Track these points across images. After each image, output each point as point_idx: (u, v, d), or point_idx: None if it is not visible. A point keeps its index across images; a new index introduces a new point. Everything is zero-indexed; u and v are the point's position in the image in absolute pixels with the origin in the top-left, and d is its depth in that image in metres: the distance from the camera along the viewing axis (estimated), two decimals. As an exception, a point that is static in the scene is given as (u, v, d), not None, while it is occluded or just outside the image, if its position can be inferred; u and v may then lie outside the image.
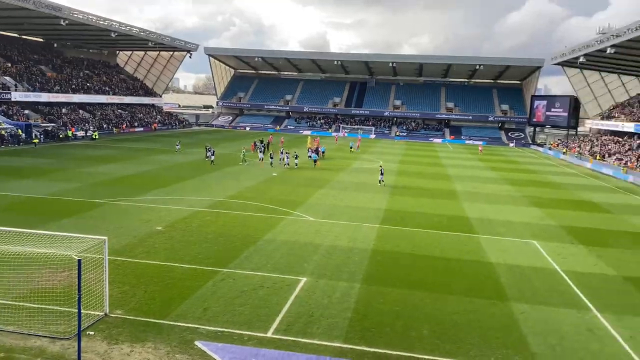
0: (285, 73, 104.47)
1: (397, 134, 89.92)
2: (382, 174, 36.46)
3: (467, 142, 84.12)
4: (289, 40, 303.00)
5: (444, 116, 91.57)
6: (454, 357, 12.31)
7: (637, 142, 59.34)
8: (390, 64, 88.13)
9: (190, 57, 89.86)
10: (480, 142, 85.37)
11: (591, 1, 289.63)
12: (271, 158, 42.48)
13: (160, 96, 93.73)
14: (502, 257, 20.10)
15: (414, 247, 20.80)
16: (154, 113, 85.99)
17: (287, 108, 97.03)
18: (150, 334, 12.60)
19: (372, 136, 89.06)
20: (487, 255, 20.31)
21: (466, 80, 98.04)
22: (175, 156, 45.91)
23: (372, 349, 12.42)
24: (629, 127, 61.15)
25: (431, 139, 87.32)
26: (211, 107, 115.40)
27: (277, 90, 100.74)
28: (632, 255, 21.28)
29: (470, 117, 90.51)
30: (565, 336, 13.54)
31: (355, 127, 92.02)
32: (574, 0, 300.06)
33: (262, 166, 40.13)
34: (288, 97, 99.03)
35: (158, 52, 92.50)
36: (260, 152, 45.19)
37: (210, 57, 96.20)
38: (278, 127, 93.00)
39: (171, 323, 13.12)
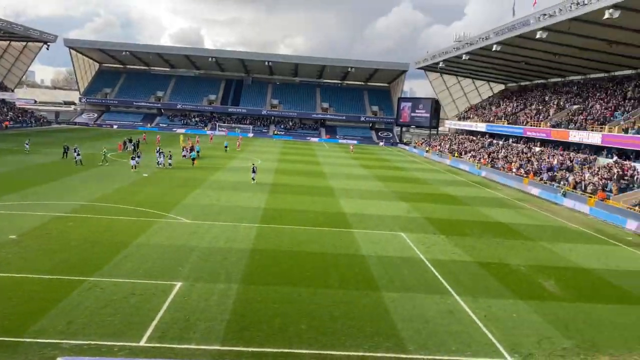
0: (156, 68, 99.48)
1: (275, 132, 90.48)
2: (254, 171, 36.32)
3: (341, 141, 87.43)
4: (161, 34, 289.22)
5: (319, 116, 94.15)
6: (330, 349, 12.59)
7: (488, 140, 66.61)
8: (267, 63, 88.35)
9: (47, 48, 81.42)
10: (354, 142, 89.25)
11: (449, 11, 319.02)
12: (138, 157, 38.91)
13: (13, 90, 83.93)
14: (373, 249, 21.12)
15: (292, 244, 20.99)
16: (5, 109, 76.42)
17: (159, 105, 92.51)
18: (5, 354, 11.45)
19: (250, 135, 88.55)
20: (361, 248, 21.20)
21: (339, 81, 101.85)
22: (28, 157, 41.29)
23: (250, 349, 12.31)
24: (482, 127, 68.39)
25: (308, 138, 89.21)
26: (73, 103, 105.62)
27: (148, 86, 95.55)
28: (484, 243, 23.71)
29: (344, 117, 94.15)
30: (430, 320, 14.57)
31: (233, 125, 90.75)
32: (434, 10, 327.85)
33: (133, 169, 37.47)
34: (159, 93, 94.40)
35: (8, 42, 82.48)
36: (135, 154, 40.26)
37: (72, 50, 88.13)
38: (149, 125, 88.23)
39: (29, 340, 12.16)
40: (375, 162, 57.61)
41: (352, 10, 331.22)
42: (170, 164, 40.91)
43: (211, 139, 73.46)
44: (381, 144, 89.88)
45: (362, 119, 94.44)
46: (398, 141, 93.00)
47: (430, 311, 15.18)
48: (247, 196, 30.55)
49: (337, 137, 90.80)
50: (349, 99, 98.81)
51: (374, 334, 13.53)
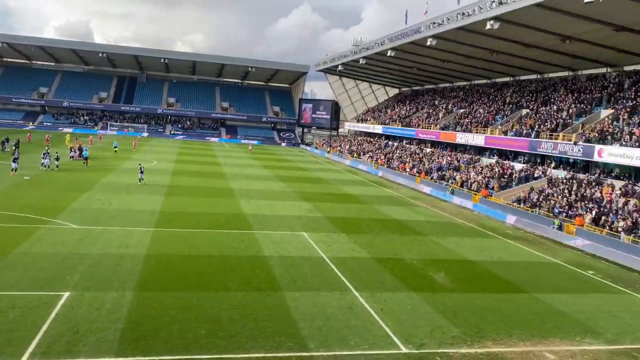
0: (39, 63, 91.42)
1: (172, 132, 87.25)
2: (141, 172, 34.87)
3: (242, 141, 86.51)
4: (44, 25, 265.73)
5: (219, 115, 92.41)
6: (230, 352, 12.38)
7: (384, 142, 69.72)
8: (163, 60, 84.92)
9: None
10: (253, 142, 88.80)
11: (347, 15, 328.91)
12: (14, 162, 34.59)
13: None
14: (275, 250, 21.13)
15: (191, 248, 20.41)
16: None
17: (43, 102, 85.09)
18: None
19: (145, 134, 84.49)
20: (262, 249, 21.10)
21: (240, 81, 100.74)
22: None
23: (147, 358, 11.78)
24: (378, 129, 71.35)
25: (208, 138, 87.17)
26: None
27: (29, 81, 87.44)
28: (381, 239, 24.74)
29: (245, 117, 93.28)
30: (330, 317, 14.86)
31: (126, 124, 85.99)
32: (333, 14, 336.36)
33: (13, 172, 33.91)
34: (43, 89, 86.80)
35: None
36: (15, 157, 35.34)
37: None
38: (31, 124, 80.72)
39: None
40: (277, 163, 57.76)
41: (253, 9, 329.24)
42: (57, 166, 37.84)
43: (100, 138, 69.04)
44: (283, 144, 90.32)
45: (264, 119, 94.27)
46: (300, 142, 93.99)
47: (330, 308, 15.49)
48: (142, 199, 29.17)
49: (238, 137, 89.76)
50: (250, 98, 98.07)
51: (275, 334, 13.53)
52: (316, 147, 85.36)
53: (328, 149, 78.24)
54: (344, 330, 14.03)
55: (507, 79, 55.62)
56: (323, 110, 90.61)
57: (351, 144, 77.48)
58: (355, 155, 67.11)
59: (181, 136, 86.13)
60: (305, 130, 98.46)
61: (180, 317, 13.98)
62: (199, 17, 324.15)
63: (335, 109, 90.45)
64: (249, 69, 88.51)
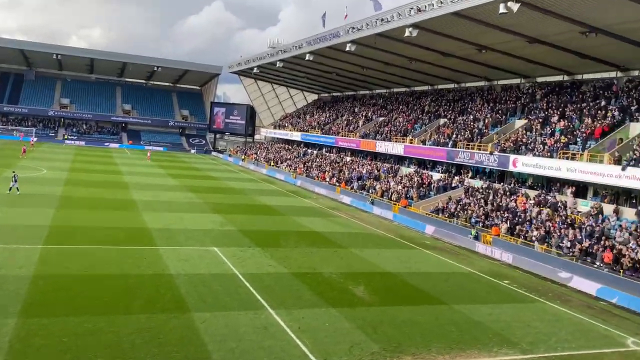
0: None
1: (66, 137, 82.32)
2: (15, 180, 32.83)
3: (147, 147, 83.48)
4: None
5: (120, 119, 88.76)
6: (130, 384, 11.82)
7: (304, 150, 70.38)
8: (55, 56, 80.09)
9: None
10: (161, 148, 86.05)
11: (263, 16, 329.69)
12: None
13: None
14: (182, 268, 20.55)
15: (87, 267, 19.39)
16: None
17: None
18: None
19: (34, 139, 78.91)
20: (168, 267, 20.44)
21: (144, 81, 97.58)
22: None
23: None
24: (297, 136, 71.91)
25: (107, 143, 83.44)
26: None
27: None
28: (299, 253, 24.87)
29: (150, 121, 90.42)
30: (243, 337, 14.64)
31: (10, 127, 79.85)
32: (248, 13, 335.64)
33: None
34: None
35: None
36: None
37: None
38: None
39: None
40: (185, 172, 56.67)
41: (159, 3, 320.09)
42: None
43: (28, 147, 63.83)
44: (193, 151, 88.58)
45: (171, 123, 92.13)
46: (212, 149, 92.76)
47: (243, 328, 15.27)
48: (28, 212, 27.27)
49: (142, 143, 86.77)
50: (155, 101, 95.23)
51: (182, 358, 13.09)
52: (230, 155, 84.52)
53: (243, 157, 77.71)
54: (258, 352, 13.88)
55: (425, 87, 58.33)
56: (237, 115, 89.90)
57: (268, 151, 77.41)
58: (272, 164, 67.10)
59: (76, 141, 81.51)
60: (218, 136, 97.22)
61: (73, 345, 13.16)
62: (98, 9, 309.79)
63: (250, 113, 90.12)
64: (155, 69, 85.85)
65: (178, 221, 29.29)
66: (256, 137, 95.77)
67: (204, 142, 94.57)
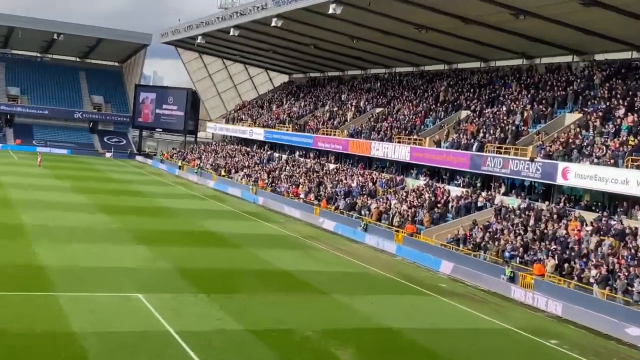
0: None
1: None
2: None
3: (40, 149, 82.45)
4: None
5: (3, 108, 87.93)
6: None
7: (268, 153, 70.36)
8: None
9: None
10: (63, 151, 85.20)
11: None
12: None
13: None
14: (91, 323, 20.30)
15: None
16: None
17: None
18: None
19: None
20: (70, 322, 20.21)
21: (39, 55, 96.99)
22: None
23: None
24: (259, 133, 71.92)
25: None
26: None
27: None
28: (261, 301, 24.70)
29: (46, 112, 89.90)
30: None
31: None
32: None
33: None
34: None
35: None
36: None
37: None
38: None
39: None
40: (98, 184, 56.45)
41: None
42: None
43: None
44: (109, 154, 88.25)
45: (78, 115, 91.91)
46: (136, 151, 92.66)
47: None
48: None
49: (35, 142, 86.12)
50: (55, 83, 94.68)
51: None
52: (162, 160, 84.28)
53: (180, 163, 77.47)
54: None
55: (440, 66, 58.96)
56: (173, 103, 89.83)
57: (217, 155, 77.24)
58: (223, 173, 66.90)
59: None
60: (145, 133, 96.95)
61: None
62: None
63: (192, 102, 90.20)
64: (55, 37, 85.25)
65: (87, 256, 29.00)
66: (200, 134, 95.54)
67: (124, 141, 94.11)
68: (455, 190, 42.54)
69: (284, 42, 63.89)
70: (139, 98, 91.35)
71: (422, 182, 46.12)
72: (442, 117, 49.40)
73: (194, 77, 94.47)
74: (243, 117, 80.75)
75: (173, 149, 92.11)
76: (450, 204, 40.77)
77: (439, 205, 40.92)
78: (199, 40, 69.95)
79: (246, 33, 61.25)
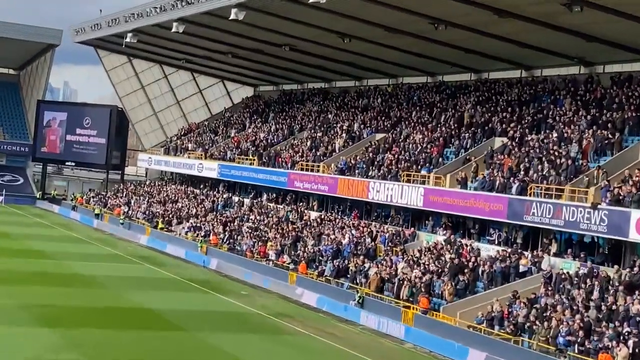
0: None
1: None
2: None
3: None
4: None
5: None
6: None
7: (225, 195, 69.98)
8: None
9: None
10: None
11: None
12: None
13: None
14: None
15: None
16: None
17: None
18: None
19: None
20: None
21: None
22: None
23: None
24: (212, 169, 71.48)
25: None
26: None
27: None
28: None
29: None
30: None
31: None
32: None
33: None
34: None
35: None
36: None
37: None
38: None
39: None
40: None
41: None
42: None
43: None
44: None
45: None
46: (37, 194, 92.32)
47: None
48: None
49: None
50: None
51: None
52: (75, 207, 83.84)
53: (100, 210, 77.03)
54: None
55: (465, 76, 59.15)
56: (91, 126, 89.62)
57: (152, 199, 76.78)
58: (160, 225, 66.67)
59: None
60: (51, 169, 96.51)
61: None
62: None
63: (118, 124, 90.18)
64: None
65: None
66: (129, 170, 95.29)
67: (21, 180, 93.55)
68: (487, 250, 42.39)
69: (248, 42, 64.01)
70: (42, 119, 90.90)
71: (440, 237, 45.95)
72: (467, 146, 49.43)
73: (120, 90, 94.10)
74: (190, 146, 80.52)
75: (90, 190, 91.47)
76: (480, 269, 40.55)
77: (464, 270, 40.71)
78: (128, 39, 69.82)
79: (195, 29, 61.30)
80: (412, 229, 48.91)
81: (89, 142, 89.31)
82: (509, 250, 41.04)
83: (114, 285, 44.39)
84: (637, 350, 30.01)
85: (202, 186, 76.54)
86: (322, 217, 56.40)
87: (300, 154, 62.36)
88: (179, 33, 60.70)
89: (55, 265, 49.29)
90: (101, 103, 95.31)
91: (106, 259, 54.34)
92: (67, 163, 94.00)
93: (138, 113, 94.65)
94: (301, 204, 60.46)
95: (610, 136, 41.39)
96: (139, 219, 71.27)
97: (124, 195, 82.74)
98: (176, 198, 74.99)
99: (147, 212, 71.99)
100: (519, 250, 40.70)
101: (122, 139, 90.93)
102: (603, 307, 33.19)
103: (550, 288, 36.51)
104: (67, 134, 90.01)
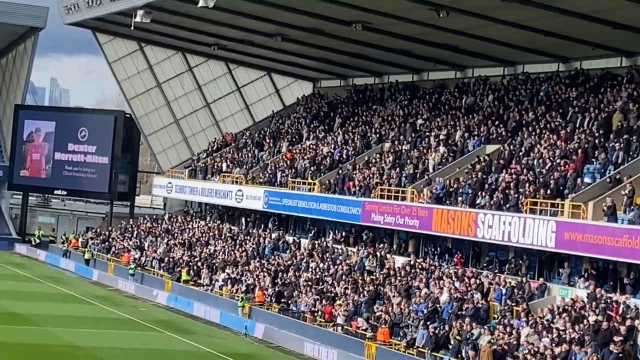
0: None
1: None
2: None
3: None
4: None
5: None
6: None
7: (275, 235, 69.87)
8: None
9: None
10: None
11: None
12: None
13: None
14: None
15: None
16: None
17: None
18: None
19: None
20: None
21: None
22: None
23: None
24: (255, 196, 71.66)
25: None
26: None
27: None
28: None
29: None
30: None
31: None
32: None
33: None
34: None
35: None
36: None
37: None
38: None
39: None
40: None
41: None
42: None
43: None
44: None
45: None
46: (14, 234, 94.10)
47: None
48: None
49: None
50: None
51: None
52: (67, 252, 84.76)
53: (91, 255, 78.47)
54: None
55: (614, 61, 58.48)
56: (89, 140, 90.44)
57: (173, 239, 77.10)
58: (185, 277, 66.96)
59: None
60: (35, 200, 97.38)
61: None
62: None
63: (126, 137, 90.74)
64: None
65: None
66: (141, 200, 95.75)
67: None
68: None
69: (303, 19, 64.36)
70: (21, 131, 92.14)
71: (581, 291, 45.38)
72: (618, 161, 48.82)
73: (128, 90, 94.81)
74: (224, 166, 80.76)
75: (88, 230, 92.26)
76: None
77: (615, 338, 40.07)
78: (138, 19, 70.46)
79: (231, 2, 61.70)
80: (541, 279, 48.35)
81: (86, 162, 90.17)
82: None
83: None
84: None
85: (242, 222, 76.61)
86: (412, 263, 56.00)
87: (379, 175, 62.15)
88: (208, 8, 61.05)
89: (40, 335, 49.71)
90: (102, 108, 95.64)
91: (111, 325, 54.61)
92: (56, 192, 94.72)
93: (153, 121, 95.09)
94: (381, 245, 60.09)
95: None
96: (154, 268, 71.48)
97: (135, 235, 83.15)
98: (207, 239, 75.05)
99: (166, 259, 72.14)
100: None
101: (131, 158, 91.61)
102: None
103: None
104: (56, 151, 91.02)
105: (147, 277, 70.13)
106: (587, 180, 48.89)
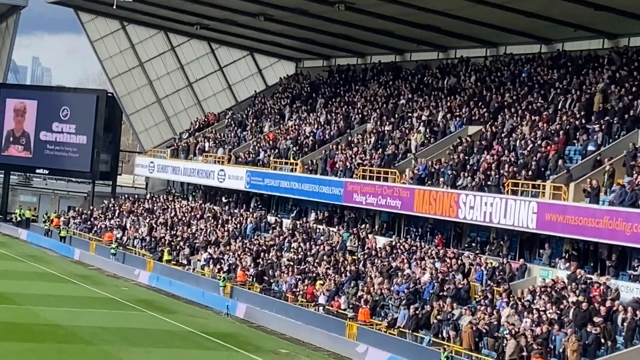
0: None
1: None
2: None
3: None
4: None
5: None
6: None
7: (257, 215, 69.84)
8: None
9: None
10: None
11: None
12: None
13: None
14: None
15: None
16: None
17: None
18: None
19: None
20: None
21: None
22: None
23: None
24: (237, 176, 71.57)
25: None
26: None
27: None
28: None
29: None
30: None
31: None
32: None
33: None
34: None
35: None
36: None
37: None
38: None
39: None
40: None
41: None
42: None
43: None
44: None
45: None
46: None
47: None
48: None
49: None
50: None
51: None
52: (48, 231, 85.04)
53: (66, 232, 78.99)
54: None
55: (596, 43, 58.50)
56: (71, 119, 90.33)
57: (155, 219, 77.15)
58: (167, 256, 67.26)
59: None
60: (16, 179, 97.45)
61: None
62: None
63: (108, 116, 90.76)
64: None
65: None
66: (123, 179, 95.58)
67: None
68: (628, 289, 41.98)
69: (287, 0, 64.22)
70: (2, 110, 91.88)
71: (562, 272, 45.57)
72: (599, 142, 48.94)
73: (110, 69, 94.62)
74: (207, 145, 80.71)
75: (69, 209, 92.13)
76: (619, 317, 40.06)
77: (596, 319, 40.24)
78: (120, -2, 70.48)
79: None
80: (521, 260, 48.51)
81: (68, 142, 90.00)
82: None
83: (98, 339, 44.70)
84: None
85: (224, 202, 76.64)
86: (393, 244, 56.15)
87: (361, 155, 62.24)
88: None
89: (20, 313, 49.77)
90: (84, 87, 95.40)
91: (92, 304, 54.72)
92: (37, 171, 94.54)
93: (135, 100, 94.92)
94: (363, 226, 60.22)
95: None
96: (136, 247, 71.46)
97: (116, 214, 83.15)
98: (188, 219, 75.08)
99: (148, 239, 72.16)
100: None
101: (113, 137, 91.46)
102: None
103: None
104: (38, 130, 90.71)
105: (129, 257, 70.14)
106: (569, 162, 49.14)
